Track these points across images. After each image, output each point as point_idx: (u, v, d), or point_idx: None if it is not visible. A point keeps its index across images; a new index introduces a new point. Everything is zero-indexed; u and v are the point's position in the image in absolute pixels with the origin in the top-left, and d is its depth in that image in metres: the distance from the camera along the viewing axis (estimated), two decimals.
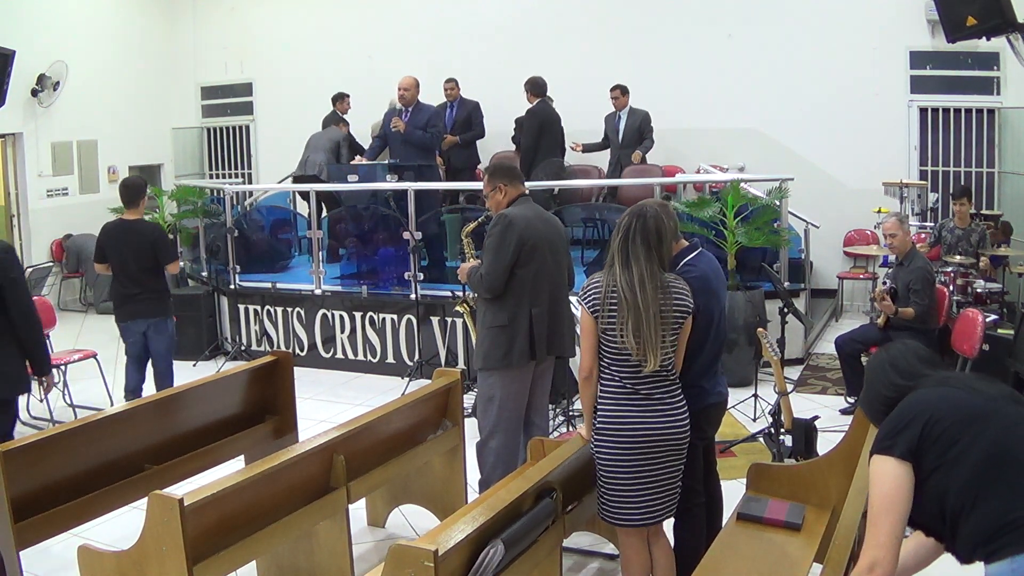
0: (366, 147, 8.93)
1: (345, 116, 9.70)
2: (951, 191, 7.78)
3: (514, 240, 4.05)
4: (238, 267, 8.13)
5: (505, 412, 4.17)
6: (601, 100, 9.03)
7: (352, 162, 8.67)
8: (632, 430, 3.12)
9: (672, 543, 3.38)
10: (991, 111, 8.54)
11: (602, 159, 9.21)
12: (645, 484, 3.17)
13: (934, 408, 2.12)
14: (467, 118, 9.06)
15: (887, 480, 2.11)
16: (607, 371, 3.18)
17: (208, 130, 12.26)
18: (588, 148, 8.98)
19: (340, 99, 9.76)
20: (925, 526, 2.21)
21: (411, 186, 7.29)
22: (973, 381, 2.20)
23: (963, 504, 2.05)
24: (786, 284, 6.84)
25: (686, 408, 3.22)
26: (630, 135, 8.91)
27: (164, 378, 5.80)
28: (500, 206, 4.23)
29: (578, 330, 4.81)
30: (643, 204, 3.23)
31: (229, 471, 3.60)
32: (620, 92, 8.94)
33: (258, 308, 7.88)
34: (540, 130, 8.26)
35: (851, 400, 5.96)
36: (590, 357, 3.19)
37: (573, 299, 4.97)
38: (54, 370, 6.20)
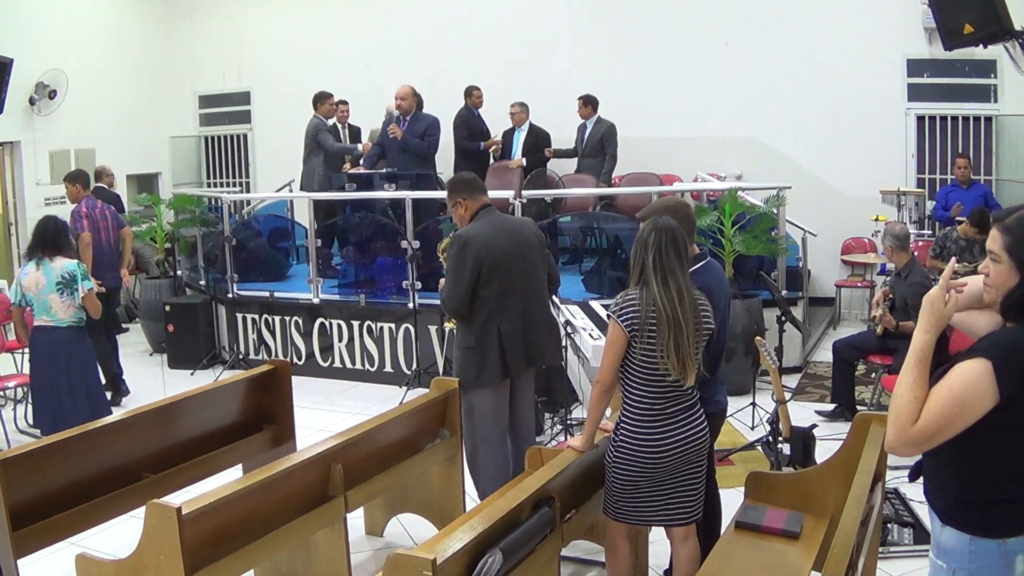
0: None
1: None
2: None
3: (471, 260, 3.97)
4: (236, 276, 8.13)
5: (485, 426, 4.16)
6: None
7: (339, 143, 8.80)
8: (654, 447, 3.15)
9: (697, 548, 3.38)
10: (988, 119, 8.57)
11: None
12: (661, 491, 3.20)
13: None
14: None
15: (970, 381, 2.00)
16: (636, 391, 3.17)
17: (206, 139, 12.25)
18: (558, 154, 9.02)
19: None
20: (955, 451, 2.10)
21: (409, 195, 7.29)
22: None
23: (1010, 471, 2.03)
24: (784, 292, 6.85)
25: (704, 418, 3.26)
26: (592, 145, 8.90)
27: None
28: (464, 221, 4.19)
29: (581, 340, 4.83)
30: (660, 214, 3.22)
31: (227, 480, 3.58)
32: (583, 103, 8.95)
33: (256, 317, 7.87)
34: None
35: (834, 406, 6.03)
36: (612, 372, 3.19)
37: (556, 299, 4.94)
38: None
